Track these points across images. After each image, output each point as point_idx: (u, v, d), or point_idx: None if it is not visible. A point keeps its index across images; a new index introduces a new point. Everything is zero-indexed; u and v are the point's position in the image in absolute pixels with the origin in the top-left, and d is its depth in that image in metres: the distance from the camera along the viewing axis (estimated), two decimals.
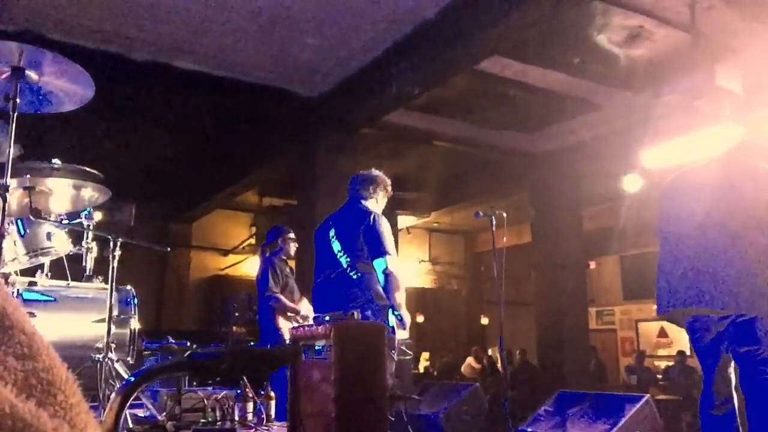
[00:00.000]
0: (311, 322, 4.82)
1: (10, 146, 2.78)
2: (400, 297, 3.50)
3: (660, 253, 3.32)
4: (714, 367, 3.08)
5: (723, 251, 2.96)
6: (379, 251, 3.52)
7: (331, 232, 3.77)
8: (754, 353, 2.87)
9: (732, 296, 2.90)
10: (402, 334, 3.61)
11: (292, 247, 5.29)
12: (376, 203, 3.87)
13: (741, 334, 2.90)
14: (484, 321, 14.38)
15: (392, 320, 3.46)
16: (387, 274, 3.48)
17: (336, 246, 3.69)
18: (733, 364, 3.07)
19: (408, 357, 3.68)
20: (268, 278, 5.03)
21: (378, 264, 3.52)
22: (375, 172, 3.95)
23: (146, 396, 3.11)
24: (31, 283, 3.44)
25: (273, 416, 3.25)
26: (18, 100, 2.82)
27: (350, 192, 3.93)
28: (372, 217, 3.64)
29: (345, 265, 3.61)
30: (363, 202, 3.83)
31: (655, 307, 3.31)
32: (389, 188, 3.95)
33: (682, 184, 3.40)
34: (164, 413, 2.98)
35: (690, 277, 3.04)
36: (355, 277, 3.56)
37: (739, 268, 2.90)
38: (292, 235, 5.29)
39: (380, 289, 3.52)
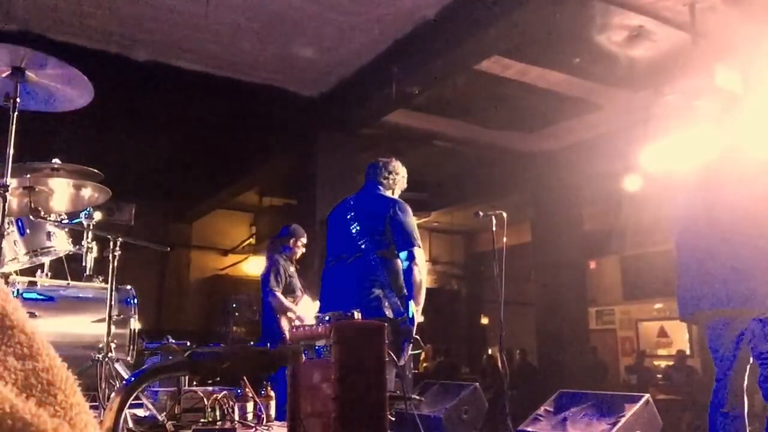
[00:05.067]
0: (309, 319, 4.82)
1: (9, 146, 2.78)
2: (422, 291, 3.43)
3: (677, 257, 3.33)
4: (731, 365, 3.07)
5: (741, 252, 2.97)
6: (409, 242, 3.45)
7: (350, 215, 3.63)
8: None
9: (752, 296, 2.90)
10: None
11: (299, 252, 5.29)
12: (392, 193, 3.77)
13: (764, 331, 2.90)
14: (484, 321, 14.38)
15: (412, 308, 3.39)
16: (414, 265, 3.42)
17: (354, 228, 3.56)
18: (749, 365, 3.07)
19: (418, 351, 3.61)
20: (269, 276, 5.04)
21: (405, 255, 3.44)
22: (395, 162, 3.84)
23: (146, 396, 3.11)
24: (31, 283, 3.44)
25: (273, 416, 3.25)
26: (18, 100, 2.82)
27: (368, 177, 3.81)
28: (398, 206, 3.54)
29: (363, 249, 3.48)
30: (382, 188, 3.73)
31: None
32: (405, 180, 3.85)
33: (682, 186, 3.42)
34: (164, 413, 2.98)
35: (709, 279, 3.04)
36: (373, 263, 3.44)
37: (759, 267, 2.91)
38: (304, 241, 5.29)
39: (399, 279, 3.45)
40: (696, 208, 3.23)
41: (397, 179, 3.79)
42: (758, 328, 2.92)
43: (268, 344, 4.47)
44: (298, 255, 5.33)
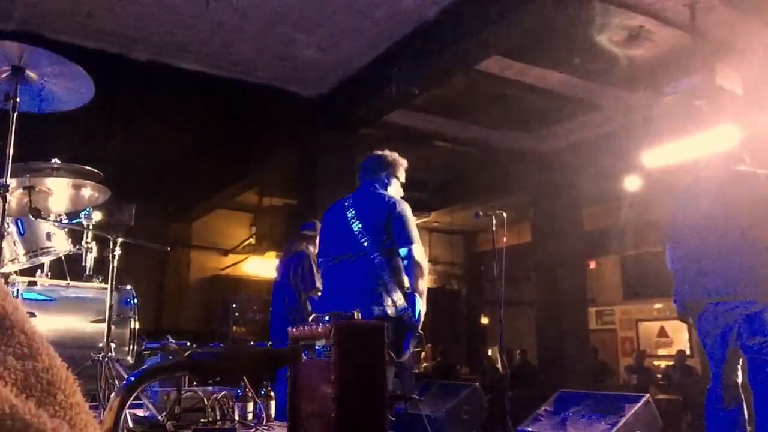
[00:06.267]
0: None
1: (9, 146, 2.79)
2: (423, 286, 3.44)
3: (671, 257, 3.36)
4: (722, 361, 3.08)
5: (732, 247, 2.99)
6: (406, 240, 3.45)
7: (350, 213, 3.59)
8: (764, 345, 2.88)
9: (742, 286, 2.92)
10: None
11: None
12: (390, 186, 3.74)
13: (751, 326, 2.91)
14: (484, 321, 14.37)
15: (418, 303, 3.38)
16: (414, 263, 3.42)
17: (356, 227, 3.52)
18: (741, 359, 3.08)
19: (418, 349, 3.61)
20: (312, 274, 4.86)
21: (405, 252, 3.44)
22: (388, 153, 3.79)
23: (146, 396, 3.10)
24: (31, 283, 3.44)
25: (273, 416, 3.25)
26: (18, 100, 2.82)
27: (364, 173, 3.77)
28: (397, 203, 3.53)
29: (365, 248, 3.46)
30: (379, 186, 3.69)
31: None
32: (402, 169, 3.79)
33: (680, 196, 3.46)
34: (164, 413, 2.98)
35: (703, 274, 3.07)
36: (376, 261, 3.42)
37: (749, 261, 2.93)
38: None
39: (402, 276, 3.45)
40: (697, 206, 3.25)
41: (392, 171, 3.75)
42: (745, 323, 2.94)
43: (269, 344, 4.46)
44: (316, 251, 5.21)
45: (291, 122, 7.85)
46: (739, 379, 3.10)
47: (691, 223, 3.29)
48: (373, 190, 3.70)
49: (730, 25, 5.69)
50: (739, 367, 3.10)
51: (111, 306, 3.08)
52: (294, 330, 2.79)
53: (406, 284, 3.44)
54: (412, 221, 3.55)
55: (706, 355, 3.21)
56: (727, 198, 3.16)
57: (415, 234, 3.50)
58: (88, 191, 3.42)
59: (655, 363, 12.31)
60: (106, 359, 2.97)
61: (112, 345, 3.04)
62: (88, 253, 3.62)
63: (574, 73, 6.73)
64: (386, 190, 3.72)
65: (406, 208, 3.55)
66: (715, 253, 3.06)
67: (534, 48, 6.15)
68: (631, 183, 7.87)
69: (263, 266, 11.36)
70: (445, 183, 10.78)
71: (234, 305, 10.57)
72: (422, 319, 3.45)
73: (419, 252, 3.48)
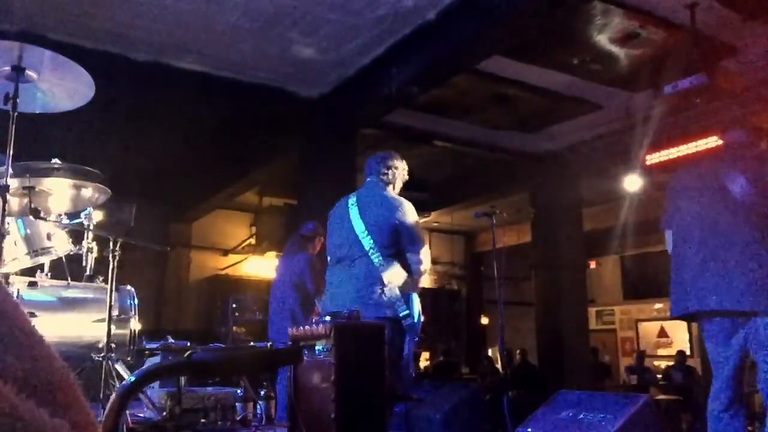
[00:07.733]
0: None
1: (9, 146, 2.79)
2: (420, 285, 3.55)
3: (671, 255, 3.29)
4: (732, 367, 3.03)
5: (738, 251, 2.93)
6: (416, 242, 3.52)
7: (353, 211, 3.62)
8: None
9: (751, 297, 2.86)
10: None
11: (317, 249, 5.17)
12: (393, 188, 3.78)
13: (763, 336, 2.86)
14: (484, 321, 14.37)
15: (417, 306, 3.42)
16: (420, 265, 3.48)
17: (359, 226, 3.54)
18: (748, 365, 3.04)
19: (419, 349, 3.67)
20: (311, 275, 4.89)
21: (412, 255, 3.50)
22: (393, 155, 3.84)
23: (146, 396, 3.10)
24: (31, 283, 3.44)
25: (273, 416, 3.25)
26: (18, 100, 2.82)
27: (368, 173, 3.81)
28: (404, 206, 3.57)
29: (367, 248, 3.48)
30: (383, 186, 3.74)
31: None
32: (405, 172, 3.86)
33: (683, 184, 3.39)
34: (164, 413, 2.98)
35: (705, 278, 3.00)
36: (377, 262, 3.44)
37: (757, 268, 2.87)
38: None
39: (403, 278, 3.47)
40: (700, 205, 3.19)
41: (397, 173, 3.79)
42: (762, 327, 2.88)
43: (269, 344, 4.45)
44: (316, 251, 5.21)
45: (291, 122, 7.84)
46: (743, 383, 3.07)
47: (695, 211, 3.18)
48: (380, 190, 3.71)
49: (730, 25, 5.69)
50: (746, 373, 3.07)
51: (111, 306, 3.08)
52: (294, 330, 2.80)
53: (408, 286, 3.46)
54: (419, 224, 3.61)
55: (711, 359, 3.14)
56: (728, 192, 3.07)
57: (421, 236, 3.58)
58: (88, 191, 3.43)
59: (655, 363, 12.32)
60: (106, 359, 2.97)
61: (112, 345, 3.04)
62: (89, 253, 3.62)
63: (574, 73, 6.73)
64: (390, 187, 3.75)
65: (412, 211, 3.60)
66: (714, 257, 2.97)
67: (534, 48, 6.15)
68: (631, 183, 7.87)
69: (263, 266, 11.36)
70: (445, 183, 10.78)
71: (234, 305, 10.56)
72: (422, 320, 3.47)
73: (425, 254, 3.53)
